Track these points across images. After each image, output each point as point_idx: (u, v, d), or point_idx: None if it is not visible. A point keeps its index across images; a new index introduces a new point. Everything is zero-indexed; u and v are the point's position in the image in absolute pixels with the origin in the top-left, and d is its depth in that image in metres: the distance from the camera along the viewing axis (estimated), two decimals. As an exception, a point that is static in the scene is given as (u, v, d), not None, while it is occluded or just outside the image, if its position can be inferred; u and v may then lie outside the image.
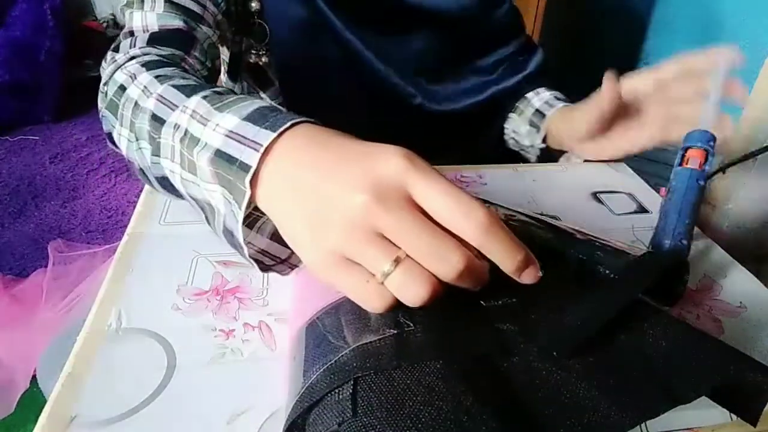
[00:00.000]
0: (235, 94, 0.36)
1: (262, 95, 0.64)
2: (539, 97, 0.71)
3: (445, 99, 0.67)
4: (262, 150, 0.29)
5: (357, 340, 0.27)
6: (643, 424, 0.31)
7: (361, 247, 0.26)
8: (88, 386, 0.32)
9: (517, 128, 0.72)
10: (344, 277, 0.27)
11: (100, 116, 0.48)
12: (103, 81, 0.48)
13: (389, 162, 0.26)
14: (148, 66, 0.44)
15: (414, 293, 0.26)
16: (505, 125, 0.74)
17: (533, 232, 0.37)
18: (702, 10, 1.93)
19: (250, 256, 0.32)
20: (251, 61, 0.61)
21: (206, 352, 0.34)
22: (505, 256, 0.27)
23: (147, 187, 0.51)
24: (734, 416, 0.31)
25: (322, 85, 0.63)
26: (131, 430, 0.29)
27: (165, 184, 0.39)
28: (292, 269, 0.35)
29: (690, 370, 0.27)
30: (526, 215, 0.41)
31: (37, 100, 2.04)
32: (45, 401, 0.31)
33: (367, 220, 0.25)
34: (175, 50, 0.49)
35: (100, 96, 0.48)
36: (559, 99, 0.69)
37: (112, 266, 0.41)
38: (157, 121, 0.37)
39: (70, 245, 1.31)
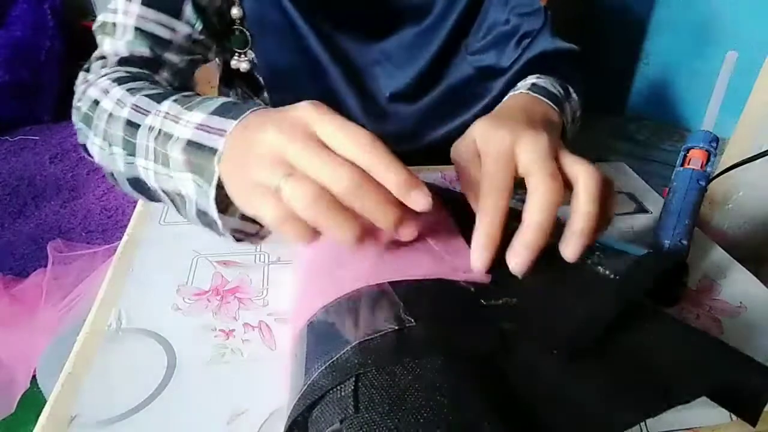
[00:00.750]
0: (201, 96, 0.40)
1: (257, 101, 0.64)
2: (523, 83, 0.54)
3: (413, 131, 0.64)
4: (226, 135, 0.33)
5: (358, 337, 0.27)
6: (642, 424, 0.31)
7: (264, 168, 0.30)
8: (88, 386, 0.32)
9: None
10: (252, 197, 0.31)
11: (76, 129, 0.51)
12: (76, 98, 0.51)
13: (299, 108, 0.31)
14: (120, 81, 0.47)
15: (302, 198, 0.28)
16: None
17: None
18: (702, 10, 1.93)
19: (224, 232, 0.35)
20: (233, 67, 0.62)
21: (206, 352, 0.34)
22: (388, 173, 0.29)
23: None
24: (734, 416, 0.31)
25: (301, 91, 0.62)
26: (131, 430, 0.29)
27: (135, 184, 0.43)
28: (262, 240, 0.38)
29: (690, 370, 0.27)
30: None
31: (37, 100, 2.04)
32: (45, 401, 0.31)
33: (274, 149, 0.30)
34: (144, 70, 0.52)
35: (74, 111, 0.51)
36: (536, 86, 0.50)
37: (112, 266, 0.41)
38: (132, 126, 0.41)
39: (69, 245, 1.30)
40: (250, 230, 0.37)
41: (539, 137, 0.35)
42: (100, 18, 0.54)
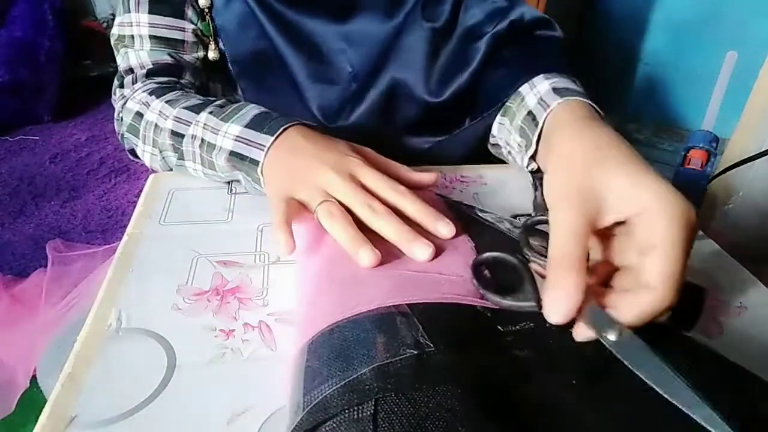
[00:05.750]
0: (231, 104, 0.50)
1: (236, 96, 0.64)
2: (535, 91, 0.49)
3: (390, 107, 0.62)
4: (265, 150, 0.44)
5: (376, 359, 0.27)
6: None
7: (309, 193, 0.40)
8: (88, 386, 0.32)
9: (510, 139, 0.53)
10: (283, 205, 0.39)
11: (120, 138, 0.59)
12: (117, 111, 0.59)
13: (350, 158, 0.41)
14: (156, 93, 0.55)
15: (326, 212, 0.38)
16: (494, 133, 0.58)
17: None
18: (702, 10, 1.93)
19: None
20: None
21: (206, 352, 0.34)
22: (414, 205, 0.38)
23: (147, 187, 0.53)
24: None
25: (264, 80, 0.62)
26: (131, 430, 0.29)
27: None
28: None
29: (712, 395, 0.27)
30: (540, 232, 0.39)
31: (37, 100, 2.04)
32: (45, 401, 0.31)
33: (323, 185, 0.40)
34: (170, 78, 0.59)
35: (116, 123, 0.60)
36: (560, 91, 0.45)
37: (112, 266, 0.41)
38: (178, 135, 0.51)
39: (69, 245, 1.30)
40: None
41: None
42: (115, 32, 0.60)
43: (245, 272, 0.41)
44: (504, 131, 0.55)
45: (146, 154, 0.55)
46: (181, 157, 0.51)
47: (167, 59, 0.58)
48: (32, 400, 1.00)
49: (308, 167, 0.41)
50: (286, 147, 0.44)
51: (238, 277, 0.41)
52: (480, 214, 0.43)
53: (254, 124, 0.46)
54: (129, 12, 0.57)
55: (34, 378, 1.00)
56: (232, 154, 0.45)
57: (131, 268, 0.41)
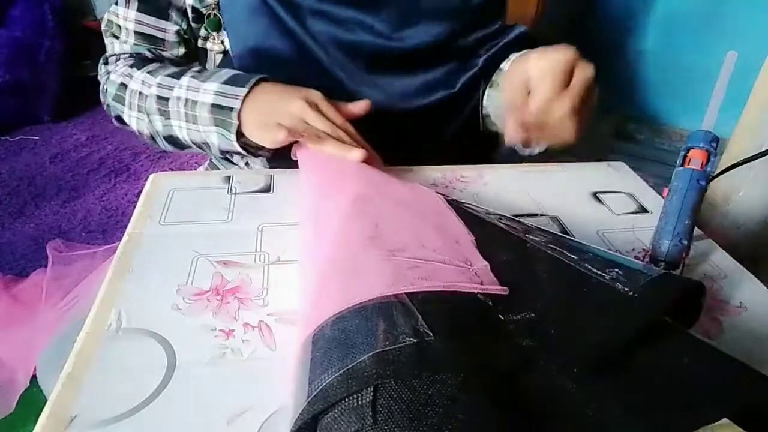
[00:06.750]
0: (208, 70, 0.58)
1: None
2: (512, 58, 0.63)
3: (404, 95, 0.64)
4: (241, 98, 0.52)
5: (375, 347, 0.27)
6: None
7: (290, 119, 0.50)
8: (88, 386, 0.32)
9: (497, 103, 0.64)
10: (269, 130, 0.49)
11: (105, 106, 0.67)
12: (102, 84, 0.67)
13: (313, 93, 0.53)
14: (136, 65, 0.63)
15: (317, 139, 0.49)
16: (484, 103, 0.66)
17: (552, 249, 0.37)
18: (702, 10, 1.93)
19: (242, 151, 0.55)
20: (208, 49, 0.65)
21: (206, 352, 0.34)
22: (347, 130, 0.51)
23: (147, 187, 0.53)
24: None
25: (279, 74, 0.61)
26: (131, 430, 0.29)
27: (170, 140, 0.61)
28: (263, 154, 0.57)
29: (712, 391, 0.27)
30: (540, 230, 0.40)
31: (37, 100, 2.03)
32: (45, 401, 0.31)
33: (298, 112, 0.51)
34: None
35: (102, 95, 0.67)
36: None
37: (111, 266, 0.41)
38: (163, 99, 0.58)
39: (69, 245, 1.30)
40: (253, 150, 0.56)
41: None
42: (107, 17, 0.66)
43: (245, 272, 0.41)
44: (491, 100, 0.66)
45: (133, 119, 0.62)
46: (167, 118, 0.58)
47: (146, 54, 0.65)
48: (32, 400, 1.00)
49: (282, 100, 0.51)
50: (259, 93, 0.52)
51: (238, 277, 0.41)
52: (482, 213, 0.44)
53: (231, 81, 0.53)
54: (121, 6, 0.64)
55: (34, 378, 1.00)
56: (213, 105, 0.53)
57: (131, 268, 0.41)
